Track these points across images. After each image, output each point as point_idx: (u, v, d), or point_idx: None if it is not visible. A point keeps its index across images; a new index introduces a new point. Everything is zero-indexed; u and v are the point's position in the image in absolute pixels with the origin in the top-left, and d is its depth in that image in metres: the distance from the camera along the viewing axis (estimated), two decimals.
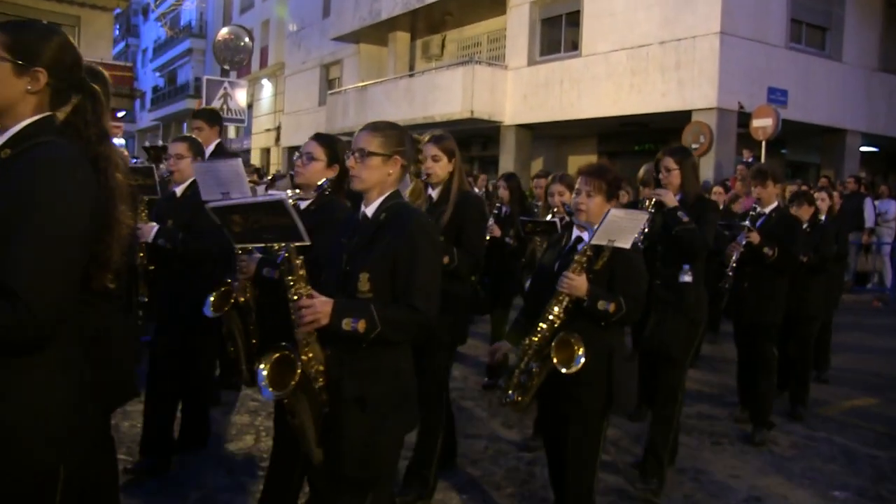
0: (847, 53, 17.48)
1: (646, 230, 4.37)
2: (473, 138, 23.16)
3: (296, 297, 2.49)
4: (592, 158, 19.93)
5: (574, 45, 18.24)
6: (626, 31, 16.60)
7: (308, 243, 2.44)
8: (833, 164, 17.59)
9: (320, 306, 2.46)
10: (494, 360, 3.62)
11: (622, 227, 3.09)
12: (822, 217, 6.71)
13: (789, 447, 5.34)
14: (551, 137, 20.83)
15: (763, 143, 14.43)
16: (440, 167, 4.08)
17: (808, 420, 5.94)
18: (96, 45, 22.26)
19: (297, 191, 3.35)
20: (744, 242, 5.25)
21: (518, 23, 19.54)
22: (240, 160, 3.65)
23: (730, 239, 5.49)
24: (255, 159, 31.64)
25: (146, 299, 4.40)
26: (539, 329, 3.20)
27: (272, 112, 33.04)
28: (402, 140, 2.81)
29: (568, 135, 20.43)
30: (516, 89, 19.36)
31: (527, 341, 3.22)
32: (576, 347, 3.05)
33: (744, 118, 15.04)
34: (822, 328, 7.10)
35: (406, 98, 20.98)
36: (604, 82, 17.07)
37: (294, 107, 29.95)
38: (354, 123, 22.51)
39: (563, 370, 3.03)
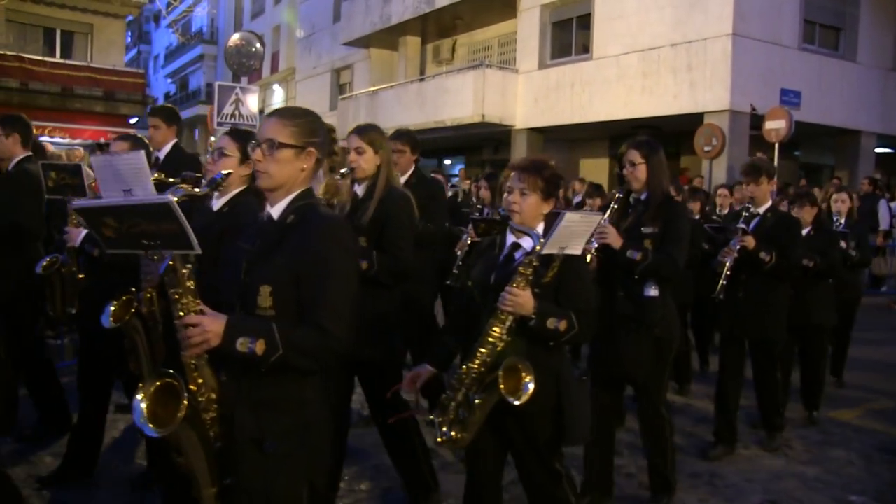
0: (861, 54, 17.35)
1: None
2: (485, 142, 23.15)
3: (181, 314, 2.15)
4: (604, 162, 19.91)
5: (585, 48, 18.21)
6: (638, 33, 16.56)
7: (198, 251, 2.10)
8: (847, 165, 17.47)
9: (209, 325, 2.12)
10: (417, 388, 2.99)
11: (575, 232, 2.70)
12: (842, 220, 6.38)
13: (804, 451, 5.29)
14: (563, 141, 20.77)
15: (776, 146, 14.34)
16: (365, 160, 3.75)
17: (824, 423, 5.88)
18: (109, 51, 22.44)
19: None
20: (738, 247, 4.74)
21: (529, 26, 19.52)
22: (142, 153, 3.24)
23: (722, 243, 5.03)
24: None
25: (74, 311, 4.22)
26: (478, 354, 2.75)
27: None
28: (316, 129, 2.45)
29: (579, 138, 20.38)
30: (527, 93, 19.34)
31: (464, 368, 2.77)
32: (523, 374, 2.67)
33: (756, 120, 14.95)
34: (840, 337, 6.94)
35: (417, 102, 20.98)
36: (615, 85, 17.02)
37: None
38: None
39: (512, 400, 2.63)
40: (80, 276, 4.17)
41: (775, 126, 14.36)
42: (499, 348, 2.74)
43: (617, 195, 4.04)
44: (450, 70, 22.04)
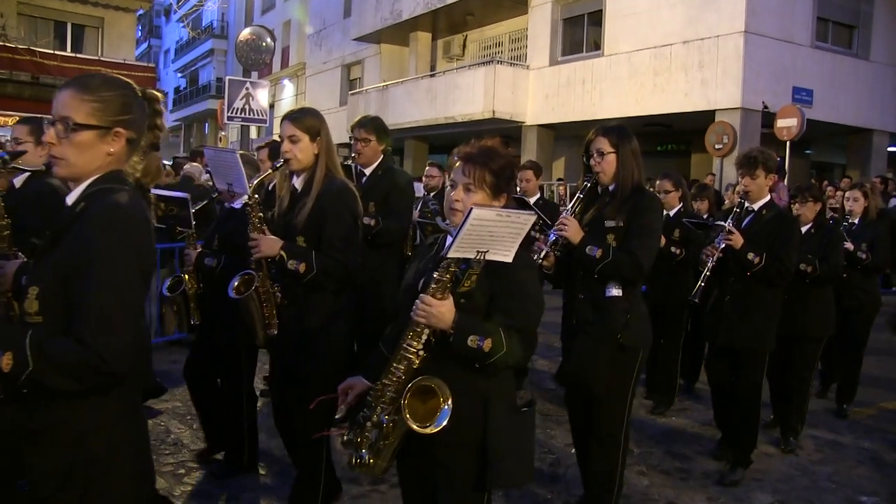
0: (875, 52, 17.24)
1: (557, 240, 3.49)
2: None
3: None
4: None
5: (596, 45, 18.15)
6: (649, 30, 16.49)
7: None
8: (859, 164, 17.37)
9: None
10: (347, 404, 2.54)
11: (495, 234, 2.22)
12: (855, 221, 6.00)
13: (815, 451, 5.25)
14: (573, 137, 20.70)
15: (788, 144, 14.27)
16: (300, 150, 3.38)
17: (834, 424, 5.84)
18: (119, 45, 22.50)
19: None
20: (722, 246, 4.33)
21: (540, 22, 19.48)
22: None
23: (706, 241, 4.66)
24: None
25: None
26: (392, 370, 2.34)
27: None
28: (127, 104, 2.03)
29: None
30: (538, 89, 19.29)
31: (379, 385, 2.36)
32: (440, 398, 2.26)
33: (768, 118, 14.88)
34: (849, 357, 6.12)
35: (427, 98, 20.97)
36: (626, 82, 16.96)
37: (315, 107, 29.57)
38: None
39: (418, 429, 2.22)
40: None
41: (787, 124, 14.30)
42: (415, 365, 2.32)
43: (584, 184, 3.59)
44: (460, 66, 22.04)
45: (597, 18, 18.12)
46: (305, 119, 3.44)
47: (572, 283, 3.60)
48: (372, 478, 2.31)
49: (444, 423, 2.22)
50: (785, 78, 15.37)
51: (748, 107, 15.02)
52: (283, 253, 3.23)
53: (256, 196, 3.34)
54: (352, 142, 4.98)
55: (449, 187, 2.55)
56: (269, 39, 18.59)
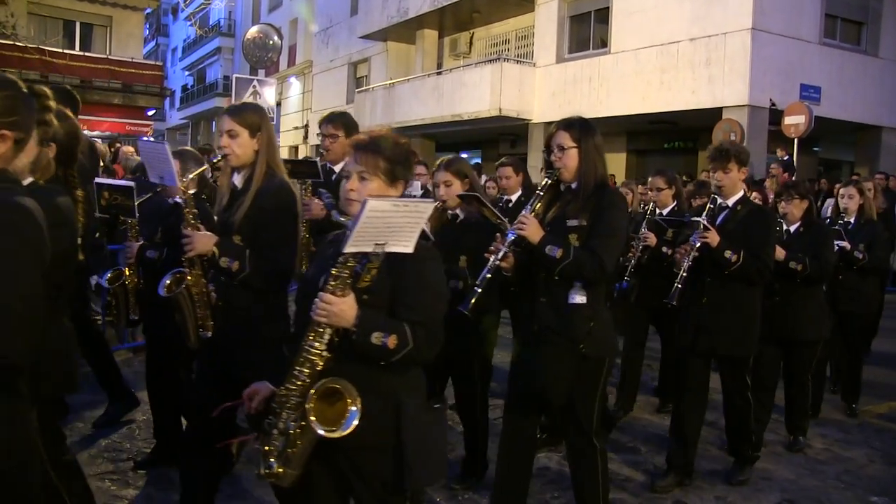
0: (884, 48, 17.17)
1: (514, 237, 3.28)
2: (502, 136, 23.10)
3: None
4: (621, 157, 19.82)
5: (603, 43, 18.12)
6: (656, 27, 16.46)
7: None
8: (868, 161, 17.29)
9: None
10: (253, 410, 2.39)
11: (393, 224, 2.14)
12: (851, 220, 5.81)
13: (824, 449, 5.24)
14: None
15: (795, 141, 14.23)
16: (238, 145, 3.20)
17: (844, 423, 5.82)
18: (127, 44, 22.59)
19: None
20: (697, 244, 4.10)
21: (546, 20, 19.46)
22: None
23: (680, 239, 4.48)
24: (284, 157, 31.80)
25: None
26: (296, 373, 2.22)
27: (300, 110, 33.20)
28: (11, 105, 2.00)
29: None
30: (545, 87, 19.27)
31: (283, 390, 2.24)
32: (347, 400, 2.16)
33: (776, 115, 14.84)
34: (850, 358, 6.04)
35: (434, 96, 20.97)
36: (633, 79, 16.93)
37: (322, 105, 30.06)
38: (383, 121, 22.55)
39: (324, 433, 2.13)
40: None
41: (795, 121, 14.25)
42: (319, 367, 2.21)
43: (545, 181, 3.37)
44: (467, 64, 22.03)
45: (603, 16, 18.09)
46: (245, 114, 3.26)
47: (534, 286, 3.39)
48: (284, 486, 2.17)
49: (353, 425, 2.14)
50: (793, 75, 15.32)
51: (755, 104, 14.97)
52: (215, 250, 3.09)
53: (191, 192, 3.23)
54: (320, 138, 4.87)
55: (344, 178, 2.46)
56: (276, 38, 18.66)
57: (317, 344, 2.22)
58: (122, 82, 20.89)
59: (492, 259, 3.22)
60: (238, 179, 3.29)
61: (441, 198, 4.11)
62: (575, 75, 18.46)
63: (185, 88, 49.10)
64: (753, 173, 14.34)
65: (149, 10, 25.22)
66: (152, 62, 25.72)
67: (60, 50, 20.28)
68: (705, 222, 4.11)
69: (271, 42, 18.25)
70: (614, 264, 3.29)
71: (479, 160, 22.88)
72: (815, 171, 17.96)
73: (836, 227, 5.71)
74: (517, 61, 20.01)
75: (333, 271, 2.20)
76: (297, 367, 2.22)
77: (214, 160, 3.35)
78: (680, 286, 4.11)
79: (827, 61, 16.13)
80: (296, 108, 33.82)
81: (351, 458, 2.33)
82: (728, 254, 4.05)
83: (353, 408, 2.15)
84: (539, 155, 19.28)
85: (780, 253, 4.61)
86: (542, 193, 3.33)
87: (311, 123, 31.24)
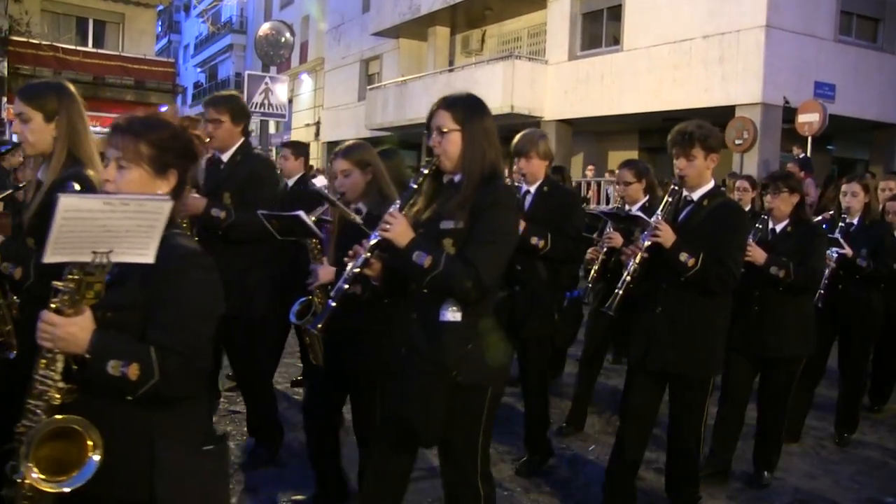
0: None
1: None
2: (513, 134, 22.73)
3: None
4: (633, 154, 19.74)
5: (615, 40, 18.06)
6: (669, 24, 16.38)
7: None
8: (883, 160, 17.17)
9: None
10: None
11: (113, 227, 1.76)
12: (854, 220, 5.13)
13: (837, 450, 5.19)
14: (592, 133, 20.63)
15: (809, 139, 14.13)
16: (31, 131, 2.83)
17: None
18: (139, 41, 22.67)
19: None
20: (647, 244, 3.48)
21: (559, 17, 19.40)
22: None
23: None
24: None
25: None
26: (31, 408, 1.83)
27: (312, 107, 33.24)
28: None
29: (609, 130, 20.23)
30: (557, 84, 19.22)
31: (20, 427, 1.84)
32: (88, 442, 1.79)
33: (789, 113, 14.75)
34: (851, 379, 5.35)
35: (445, 93, 20.66)
36: (645, 77, 16.86)
37: (334, 102, 30.09)
38: (394, 119, 22.58)
39: (48, 488, 1.75)
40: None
41: (808, 119, 14.17)
42: (56, 401, 1.81)
43: (423, 171, 2.74)
44: (479, 61, 21.98)
45: (616, 13, 18.02)
46: (38, 94, 2.82)
47: (406, 299, 2.83)
48: None
49: (87, 476, 1.77)
50: (807, 72, 15.21)
51: (769, 102, 14.88)
52: None
53: None
54: (203, 124, 4.33)
55: (104, 166, 2.11)
56: (287, 34, 18.66)
57: (51, 374, 1.81)
58: (135, 79, 20.97)
59: (349, 267, 2.69)
60: (41, 172, 2.86)
61: (338, 190, 3.57)
62: (587, 73, 18.40)
63: (197, 85, 49.26)
64: (765, 171, 14.27)
65: (161, 7, 25.29)
66: (164, 59, 25.83)
67: (73, 47, 20.38)
68: (658, 219, 3.49)
69: (283, 39, 18.25)
70: (495, 276, 2.64)
71: None
72: (829, 170, 17.84)
73: (835, 235, 4.98)
74: (529, 59, 19.96)
75: (59, 285, 1.79)
76: (31, 401, 1.83)
77: (3, 150, 3.03)
78: (620, 293, 3.55)
79: (842, 58, 16.01)
80: (307, 105, 33.85)
81: None
82: (684, 257, 3.40)
83: (94, 456, 1.79)
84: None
85: (759, 256, 4.05)
86: (416, 186, 2.71)
87: (322, 121, 31.30)
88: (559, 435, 5.05)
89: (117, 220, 1.74)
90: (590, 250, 4.79)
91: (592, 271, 4.74)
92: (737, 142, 15.05)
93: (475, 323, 2.66)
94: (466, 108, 2.77)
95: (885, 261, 5.04)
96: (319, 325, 2.69)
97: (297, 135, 33.69)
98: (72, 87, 2.96)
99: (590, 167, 18.67)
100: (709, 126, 3.60)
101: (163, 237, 1.86)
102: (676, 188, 3.57)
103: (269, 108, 16.46)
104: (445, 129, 2.71)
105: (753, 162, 14.82)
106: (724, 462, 4.43)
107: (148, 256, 1.80)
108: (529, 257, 4.12)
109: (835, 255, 4.85)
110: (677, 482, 3.87)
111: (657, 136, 19.71)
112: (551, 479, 4.43)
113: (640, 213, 3.87)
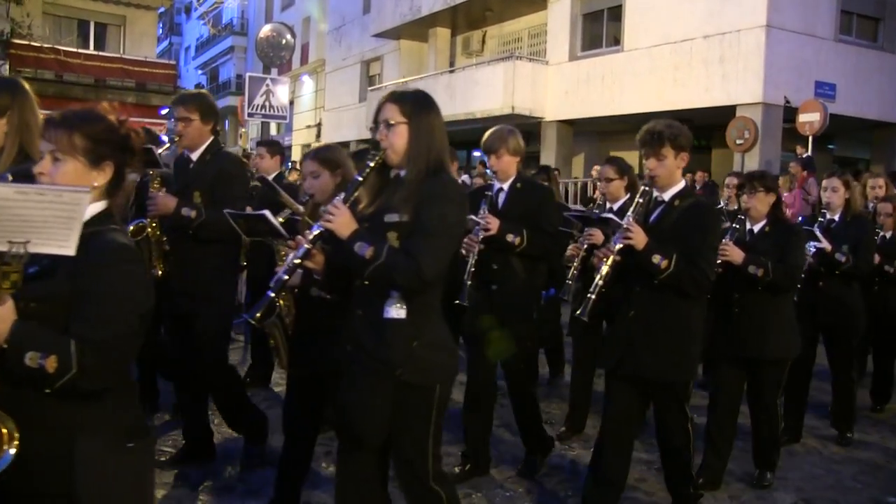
0: None
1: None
2: None
3: None
4: (634, 154, 19.72)
5: (616, 40, 18.07)
6: (669, 24, 16.39)
7: None
8: (884, 159, 17.18)
9: None
10: None
11: (29, 217, 1.74)
12: (835, 217, 5.01)
13: (839, 450, 5.19)
14: (593, 133, 20.63)
15: (810, 139, 14.14)
16: None
17: (859, 423, 5.75)
18: (141, 43, 22.70)
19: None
20: (618, 247, 3.38)
21: (559, 18, 19.42)
22: None
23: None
24: (297, 156, 31.90)
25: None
26: None
27: (313, 109, 33.27)
28: None
29: (610, 130, 20.22)
30: (557, 85, 19.23)
31: None
32: (3, 432, 1.80)
33: (790, 113, 14.75)
34: (841, 380, 5.26)
35: (446, 94, 20.94)
36: (646, 77, 16.87)
37: (335, 103, 30.12)
38: None
39: None
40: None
41: (809, 119, 14.18)
42: None
43: (369, 164, 2.70)
44: (480, 62, 22.00)
45: (616, 13, 18.03)
46: None
47: (351, 296, 2.80)
48: None
49: (2, 468, 1.77)
50: (807, 72, 15.22)
51: (769, 101, 14.89)
52: None
53: None
54: (173, 123, 4.26)
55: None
56: (288, 36, 18.69)
57: None
58: (136, 81, 21.00)
59: (289, 258, 2.66)
60: None
61: (308, 191, 3.53)
62: (588, 73, 18.41)
63: (198, 87, 49.31)
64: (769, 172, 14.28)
65: (162, 10, 25.34)
66: (166, 61, 25.84)
67: (75, 49, 20.41)
68: (629, 220, 3.40)
69: (284, 41, 18.28)
70: (438, 270, 2.58)
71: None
72: (830, 169, 17.83)
73: (809, 228, 4.92)
74: (530, 59, 19.97)
75: None
76: None
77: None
78: (593, 297, 3.42)
79: (842, 58, 16.01)
80: (308, 107, 33.89)
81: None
82: (657, 258, 3.31)
83: (10, 449, 1.79)
84: (552, 153, 19.25)
85: (736, 255, 4.01)
86: (361, 179, 2.67)
87: (323, 122, 31.33)
88: (559, 439, 5.03)
89: (34, 210, 1.72)
90: (571, 247, 4.63)
91: (573, 269, 4.55)
92: (738, 142, 15.05)
93: (421, 320, 2.64)
94: (414, 102, 2.75)
95: (865, 257, 4.95)
96: (258, 314, 2.59)
97: (299, 136, 33.75)
98: (26, 85, 2.98)
99: (595, 167, 18.65)
100: (678, 125, 3.54)
101: (97, 232, 1.91)
102: (647, 189, 3.50)
103: (270, 110, 16.47)
104: (392, 122, 2.68)
105: (755, 162, 14.82)
106: (717, 472, 4.37)
107: (68, 248, 1.77)
108: (506, 255, 4.09)
109: (812, 249, 4.78)
110: (673, 483, 3.81)
111: None
112: (553, 480, 4.44)
113: (611, 216, 3.83)
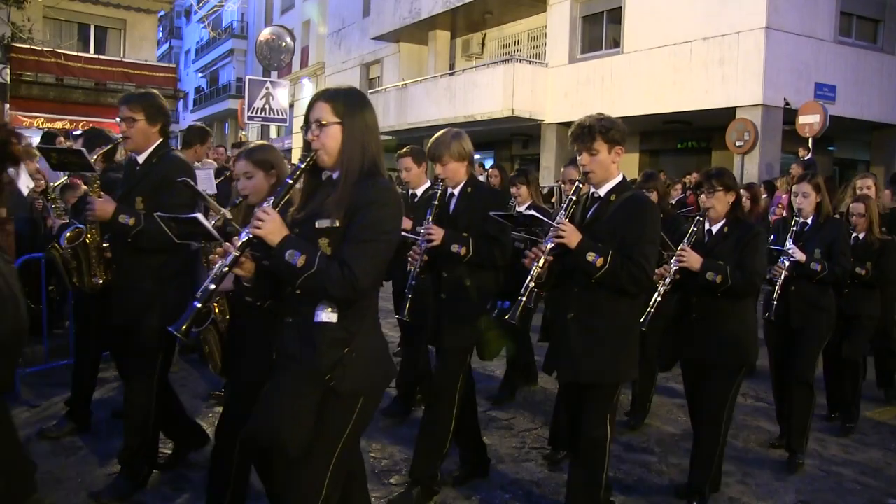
0: None
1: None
2: (514, 137, 23.09)
3: None
4: (634, 157, 19.76)
5: (616, 43, 18.08)
6: (669, 27, 16.40)
7: None
8: (884, 160, 17.18)
9: None
10: None
11: None
12: (808, 221, 4.85)
13: (839, 451, 5.19)
14: None
15: (810, 141, 14.14)
16: None
17: (859, 425, 5.76)
18: (141, 47, 22.73)
19: None
20: (551, 246, 3.28)
21: (559, 20, 19.44)
22: None
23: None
24: (297, 158, 31.92)
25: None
26: None
27: None
28: None
29: None
30: (557, 87, 19.25)
31: None
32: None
33: (790, 115, 14.76)
34: (799, 388, 4.85)
35: (446, 97, 20.99)
36: (646, 79, 16.88)
37: None
38: (395, 123, 22.62)
39: None
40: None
41: (809, 121, 14.18)
42: None
43: (300, 166, 2.59)
44: (479, 64, 22.04)
45: (616, 16, 18.05)
46: None
47: (280, 303, 2.70)
48: None
49: None
50: (807, 74, 15.24)
51: (769, 103, 14.90)
52: None
53: None
54: (119, 123, 4.04)
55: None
56: (288, 39, 18.71)
57: None
58: (136, 84, 20.99)
59: (217, 265, 2.50)
60: None
61: (241, 192, 3.42)
62: (587, 75, 18.42)
63: (198, 90, 49.37)
64: (772, 174, 14.28)
65: (162, 13, 25.37)
66: (166, 64, 25.86)
67: (75, 53, 20.46)
68: (561, 218, 3.29)
69: (284, 44, 18.30)
70: (374, 278, 2.52)
71: (491, 160, 22.84)
72: (831, 171, 17.85)
73: (787, 245, 4.75)
74: (529, 62, 20.00)
75: None
76: None
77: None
78: (523, 300, 3.28)
79: (842, 60, 16.02)
80: None
81: None
82: (591, 257, 3.21)
83: None
84: (551, 156, 19.26)
85: (694, 261, 3.86)
86: (291, 181, 2.55)
87: None
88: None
89: None
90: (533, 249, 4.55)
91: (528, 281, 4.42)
92: (738, 143, 15.06)
93: (355, 326, 2.54)
94: (347, 101, 2.61)
95: (841, 261, 4.76)
96: (183, 327, 2.41)
97: (299, 139, 33.66)
98: None
99: (563, 169, 18.68)
100: (610, 118, 3.45)
101: None
102: (581, 185, 3.40)
103: (270, 113, 16.51)
104: (324, 122, 2.55)
105: (755, 164, 14.83)
106: (714, 477, 4.24)
107: None
108: (454, 265, 3.93)
109: (786, 263, 4.70)
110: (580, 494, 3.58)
111: (658, 138, 19.74)
112: (554, 481, 4.44)
113: (536, 214, 3.71)
